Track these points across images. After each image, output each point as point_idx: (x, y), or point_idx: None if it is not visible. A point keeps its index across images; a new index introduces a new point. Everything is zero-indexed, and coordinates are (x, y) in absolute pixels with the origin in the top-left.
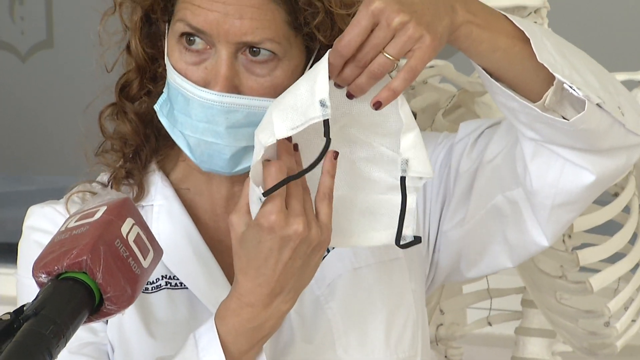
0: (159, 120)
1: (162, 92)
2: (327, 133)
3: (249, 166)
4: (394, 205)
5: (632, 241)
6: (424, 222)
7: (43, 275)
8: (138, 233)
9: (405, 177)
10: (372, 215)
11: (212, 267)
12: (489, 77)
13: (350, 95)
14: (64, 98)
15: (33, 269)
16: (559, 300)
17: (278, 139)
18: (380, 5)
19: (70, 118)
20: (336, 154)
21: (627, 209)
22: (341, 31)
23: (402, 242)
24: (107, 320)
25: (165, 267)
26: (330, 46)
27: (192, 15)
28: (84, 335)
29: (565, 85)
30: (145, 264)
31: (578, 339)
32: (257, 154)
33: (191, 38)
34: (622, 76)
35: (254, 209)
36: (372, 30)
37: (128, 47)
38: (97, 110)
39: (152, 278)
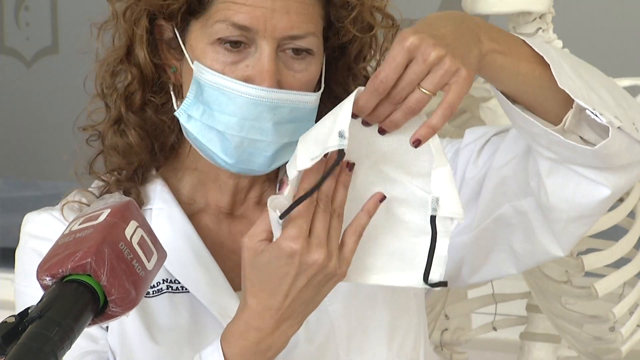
0: (163, 132)
1: (163, 103)
2: (341, 152)
3: (283, 162)
4: (422, 248)
5: (638, 246)
6: None
7: (47, 278)
8: (142, 236)
9: (435, 217)
10: (399, 256)
11: (213, 270)
12: (509, 102)
13: (382, 131)
14: (69, 104)
15: (37, 271)
16: (564, 305)
17: (300, 170)
18: (416, 41)
19: (75, 124)
20: (351, 165)
21: (632, 214)
22: (370, 27)
23: (427, 284)
24: (107, 327)
25: (166, 271)
26: (341, 47)
27: (236, 13)
28: (84, 343)
29: (587, 111)
30: (149, 266)
31: (583, 344)
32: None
33: (231, 38)
34: (626, 82)
35: (276, 233)
36: (406, 66)
37: (127, 57)
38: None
39: (153, 282)
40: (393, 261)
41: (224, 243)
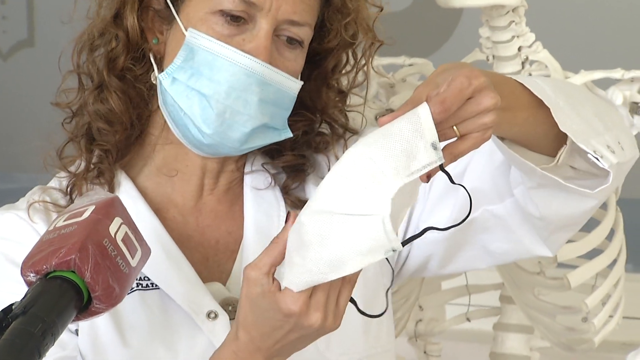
0: (140, 103)
1: (141, 74)
2: (450, 178)
3: (254, 146)
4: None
5: (609, 237)
6: None
7: (32, 274)
8: (126, 232)
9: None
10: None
11: (182, 265)
12: (502, 144)
13: None
14: (46, 96)
15: (22, 267)
16: (537, 296)
17: (400, 186)
18: (484, 84)
19: (51, 117)
20: None
21: (604, 206)
22: (355, 37)
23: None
24: (77, 331)
25: None
26: (320, 54)
27: None
28: (53, 350)
29: (589, 155)
30: (133, 262)
31: (556, 335)
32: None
33: (234, 12)
34: (599, 74)
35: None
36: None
37: (114, 20)
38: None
39: None
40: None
41: (191, 236)
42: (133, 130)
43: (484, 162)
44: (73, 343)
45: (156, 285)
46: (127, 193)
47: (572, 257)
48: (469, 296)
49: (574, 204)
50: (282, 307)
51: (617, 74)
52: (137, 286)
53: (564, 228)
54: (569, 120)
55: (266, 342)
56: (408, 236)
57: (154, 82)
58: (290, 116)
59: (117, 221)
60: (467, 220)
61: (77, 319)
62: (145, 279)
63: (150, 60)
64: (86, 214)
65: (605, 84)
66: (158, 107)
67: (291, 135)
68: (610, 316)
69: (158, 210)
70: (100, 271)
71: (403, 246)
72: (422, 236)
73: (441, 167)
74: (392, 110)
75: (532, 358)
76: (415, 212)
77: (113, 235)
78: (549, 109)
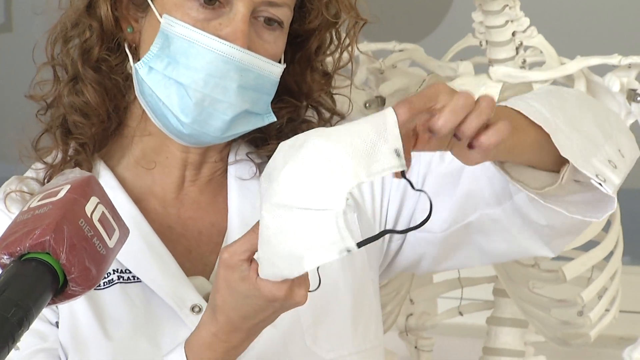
0: (117, 94)
1: (117, 64)
2: (411, 185)
3: (237, 133)
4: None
5: (606, 229)
6: (380, 208)
7: (5, 257)
8: (103, 212)
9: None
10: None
11: (165, 258)
12: (511, 180)
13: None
14: (23, 83)
15: None
16: (532, 289)
17: (362, 182)
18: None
19: (29, 104)
20: None
21: None
22: (337, 17)
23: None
24: (57, 324)
25: (116, 261)
26: (302, 36)
27: None
28: (33, 341)
29: (592, 181)
30: (110, 243)
31: (551, 329)
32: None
33: None
34: (595, 60)
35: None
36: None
37: (87, 10)
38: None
39: None
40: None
41: (172, 227)
42: (110, 122)
43: (482, 165)
44: (54, 335)
45: (138, 279)
46: (106, 183)
47: (567, 249)
48: (461, 289)
49: (579, 215)
50: (266, 294)
51: (614, 60)
52: (119, 279)
53: (570, 232)
54: (569, 142)
55: (247, 324)
56: (389, 212)
57: (130, 72)
58: (274, 103)
59: (93, 200)
60: (464, 224)
61: (53, 302)
62: (127, 271)
63: (125, 50)
64: (61, 194)
65: (602, 70)
66: (135, 97)
67: (275, 119)
68: (607, 310)
69: (138, 201)
70: (76, 253)
71: (359, 247)
72: (416, 234)
73: (403, 175)
74: (381, 98)
75: (526, 353)
76: (405, 209)
77: (89, 216)
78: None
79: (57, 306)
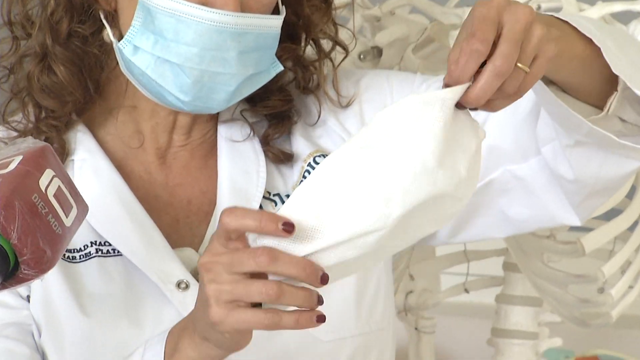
0: (94, 67)
1: (91, 33)
2: None
3: (244, 95)
4: None
5: (630, 195)
6: None
7: None
8: (59, 186)
9: None
10: None
11: (148, 228)
12: (558, 99)
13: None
14: None
15: None
16: (547, 263)
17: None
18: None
19: None
20: None
21: None
22: None
23: None
24: (28, 297)
25: (94, 232)
26: None
27: None
28: (4, 315)
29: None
30: (67, 222)
31: (568, 308)
32: None
33: None
34: (619, 6)
35: None
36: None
37: None
38: None
39: (79, 245)
40: None
41: (159, 196)
42: (89, 96)
43: (505, 115)
44: (25, 310)
45: (118, 252)
46: (84, 147)
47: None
48: (467, 264)
49: (615, 165)
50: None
51: (639, 6)
52: (97, 252)
53: (600, 192)
54: (620, 63)
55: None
56: None
57: (107, 40)
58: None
59: (48, 173)
60: (485, 182)
61: (3, 287)
62: (106, 244)
63: (100, 19)
64: (12, 166)
65: (626, 18)
66: (116, 67)
67: (282, 68)
68: (630, 287)
69: (121, 167)
70: (29, 232)
71: None
72: None
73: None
74: (377, 48)
75: (540, 334)
76: None
77: (44, 190)
78: (596, 50)
79: None
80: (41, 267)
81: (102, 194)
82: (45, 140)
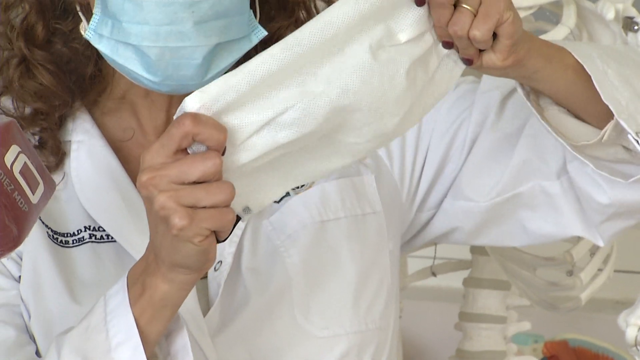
0: (79, 63)
1: (72, 29)
2: None
3: (224, 68)
4: None
5: None
6: (412, 170)
7: None
8: (25, 163)
9: None
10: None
11: (143, 215)
12: (537, 115)
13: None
14: None
15: None
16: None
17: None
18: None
19: None
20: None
21: None
22: None
23: None
24: (20, 278)
25: (88, 217)
26: None
27: None
28: None
29: (629, 136)
30: (34, 199)
31: (537, 291)
32: None
33: None
34: None
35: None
36: None
37: None
38: None
39: (73, 229)
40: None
41: None
42: (79, 92)
43: (542, 130)
44: (15, 290)
45: (112, 238)
46: (82, 129)
47: None
48: (434, 247)
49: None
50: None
51: None
52: (91, 237)
53: (627, 215)
54: (616, 92)
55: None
56: (424, 175)
57: (84, 36)
58: (266, 23)
59: (14, 149)
60: (513, 194)
61: None
62: (100, 229)
63: (77, 12)
64: None
65: None
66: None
67: (265, 33)
68: (600, 270)
69: (119, 150)
70: None
71: None
72: (454, 202)
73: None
74: None
75: (508, 318)
76: (447, 170)
77: (9, 167)
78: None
79: (21, 258)
80: (7, 245)
81: (97, 177)
82: (40, 137)
